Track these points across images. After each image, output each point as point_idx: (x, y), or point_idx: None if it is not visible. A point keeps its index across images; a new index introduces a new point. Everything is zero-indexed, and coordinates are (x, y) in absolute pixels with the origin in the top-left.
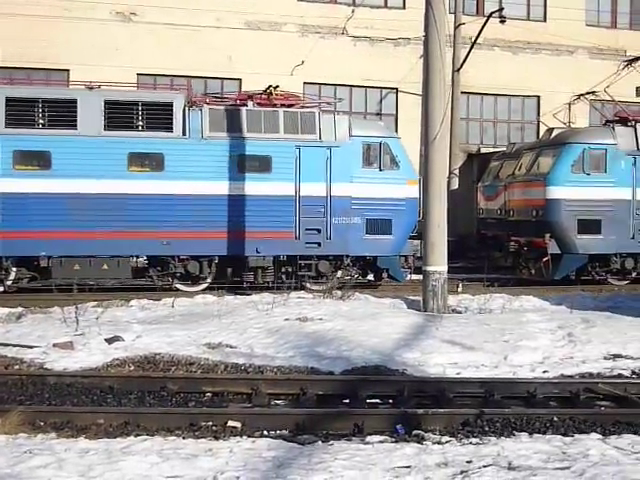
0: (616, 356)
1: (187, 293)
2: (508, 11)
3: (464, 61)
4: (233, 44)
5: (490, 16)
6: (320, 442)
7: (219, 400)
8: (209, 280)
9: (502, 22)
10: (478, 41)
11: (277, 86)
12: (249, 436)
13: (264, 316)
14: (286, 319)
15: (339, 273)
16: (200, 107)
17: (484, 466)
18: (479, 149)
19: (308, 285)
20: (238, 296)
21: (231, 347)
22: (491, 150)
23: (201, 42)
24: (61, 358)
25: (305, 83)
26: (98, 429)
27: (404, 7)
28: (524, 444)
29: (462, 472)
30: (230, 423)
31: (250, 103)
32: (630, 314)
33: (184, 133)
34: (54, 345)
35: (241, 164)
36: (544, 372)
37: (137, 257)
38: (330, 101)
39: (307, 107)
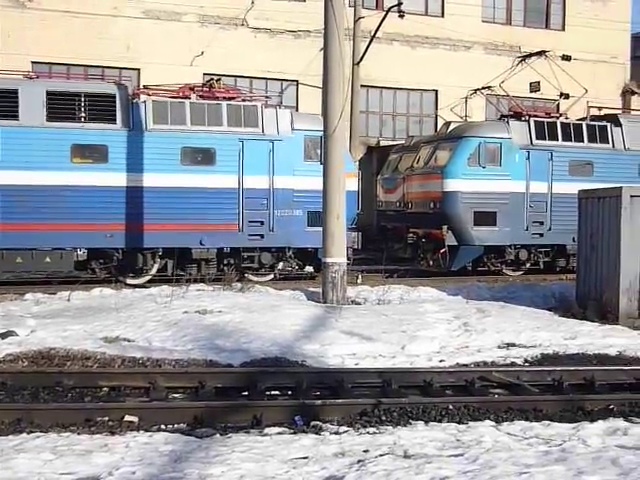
0: (509, 345)
1: (84, 287)
2: (407, 6)
3: (363, 55)
4: (132, 33)
5: (389, 11)
6: (218, 435)
7: (116, 395)
8: (153, 272)
9: (401, 17)
10: (377, 35)
11: (219, 79)
12: (146, 430)
13: (163, 309)
14: (185, 312)
15: (280, 265)
16: (143, 99)
17: (380, 455)
18: (378, 142)
19: (251, 277)
20: (137, 289)
21: (129, 341)
22: (390, 143)
23: (98, 31)
24: None
25: (205, 74)
26: None
27: None
28: (420, 432)
29: (359, 461)
30: (127, 418)
31: (193, 96)
32: (523, 304)
33: (128, 125)
34: None
35: (185, 156)
36: (441, 361)
37: (78, 250)
38: (271, 95)
39: (248, 100)
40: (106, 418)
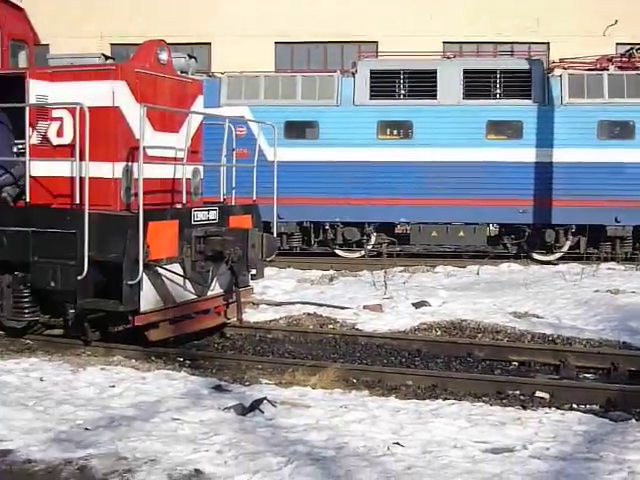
0: None
1: (492, 262)
2: None
3: None
4: (537, 7)
5: None
6: (634, 420)
7: (525, 370)
8: (564, 249)
9: None
10: None
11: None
12: (557, 408)
13: (572, 287)
14: (596, 290)
15: None
16: (559, 73)
17: None
18: None
19: None
20: (545, 265)
21: (537, 317)
22: None
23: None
24: (371, 320)
25: (619, 44)
26: (407, 390)
27: None
28: None
29: None
30: (538, 394)
31: (611, 67)
32: None
33: (542, 100)
34: (364, 307)
35: (601, 130)
36: None
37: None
38: None
39: None
40: (517, 392)
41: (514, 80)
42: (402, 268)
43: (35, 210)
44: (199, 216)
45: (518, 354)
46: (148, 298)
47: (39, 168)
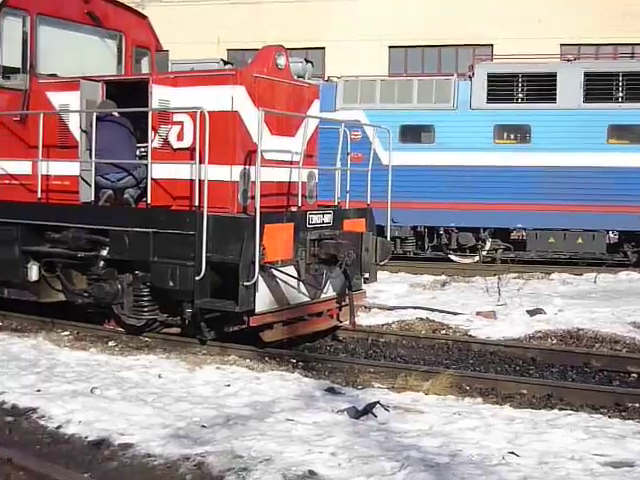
0: None
1: (610, 270)
2: None
3: None
4: None
5: None
6: None
7: None
8: None
9: None
10: None
11: None
12: None
13: None
14: None
15: None
16: None
17: None
18: None
19: None
20: None
21: None
22: None
23: (624, 5)
24: (484, 326)
25: None
26: (522, 399)
27: None
28: None
29: None
30: None
31: None
32: None
33: None
34: (477, 313)
35: None
36: None
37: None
38: None
39: None
40: (637, 404)
41: (637, 83)
42: (516, 274)
43: (156, 211)
44: (314, 219)
45: (638, 365)
46: (263, 299)
47: (160, 171)
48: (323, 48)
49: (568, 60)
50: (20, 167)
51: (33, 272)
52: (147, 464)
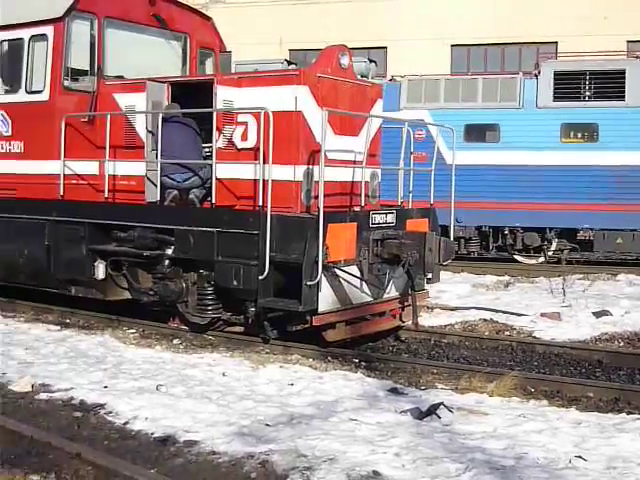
0: None
1: None
2: None
3: None
4: None
5: None
6: None
7: None
8: None
9: None
10: None
11: None
12: None
13: None
14: None
15: None
16: None
17: None
18: None
19: None
20: None
21: None
22: None
23: None
24: (548, 328)
25: None
26: (588, 402)
27: None
28: None
29: None
30: None
31: None
32: None
33: None
34: (541, 315)
35: None
36: None
37: None
38: None
39: None
40: None
41: None
42: (581, 275)
43: (220, 211)
44: (377, 219)
45: None
46: (326, 299)
47: (224, 171)
48: (385, 47)
49: (637, 57)
50: (88, 167)
51: (100, 270)
52: (212, 461)
